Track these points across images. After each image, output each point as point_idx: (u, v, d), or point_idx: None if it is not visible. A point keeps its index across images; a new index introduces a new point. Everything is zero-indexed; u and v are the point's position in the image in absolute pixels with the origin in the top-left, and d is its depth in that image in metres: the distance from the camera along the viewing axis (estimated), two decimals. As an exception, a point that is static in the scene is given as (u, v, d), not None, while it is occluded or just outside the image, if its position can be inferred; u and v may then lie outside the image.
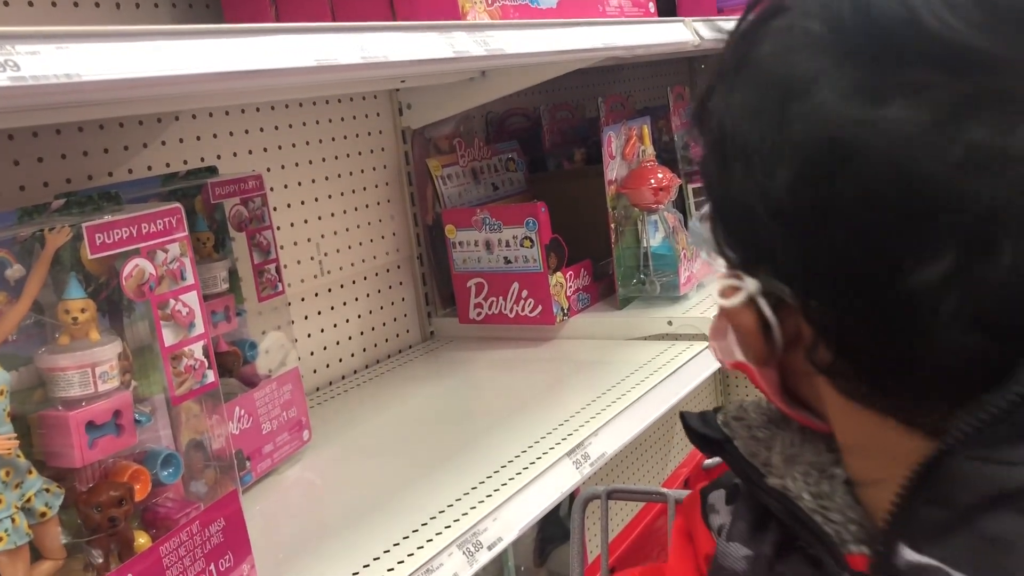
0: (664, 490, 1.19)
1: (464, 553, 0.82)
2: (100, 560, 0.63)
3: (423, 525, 0.85)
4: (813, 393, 0.55)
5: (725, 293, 0.54)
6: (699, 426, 0.65)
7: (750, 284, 0.52)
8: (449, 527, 0.84)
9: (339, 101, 1.36)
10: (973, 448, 0.46)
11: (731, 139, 0.51)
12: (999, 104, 0.43)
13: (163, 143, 1.11)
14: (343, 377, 1.35)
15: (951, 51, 0.44)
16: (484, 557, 0.83)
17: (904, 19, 0.45)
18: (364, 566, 0.80)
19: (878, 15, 0.46)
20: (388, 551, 0.82)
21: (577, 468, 0.98)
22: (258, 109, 1.23)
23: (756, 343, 0.54)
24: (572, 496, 1.18)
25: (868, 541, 0.52)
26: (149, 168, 1.09)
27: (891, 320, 0.46)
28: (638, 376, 1.19)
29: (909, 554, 0.47)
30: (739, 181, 0.50)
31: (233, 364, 1.00)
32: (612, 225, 1.41)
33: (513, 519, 0.88)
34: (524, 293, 1.38)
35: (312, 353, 1.31)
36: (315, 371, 1.31)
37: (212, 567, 0.70)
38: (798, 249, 0.48)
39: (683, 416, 0.66)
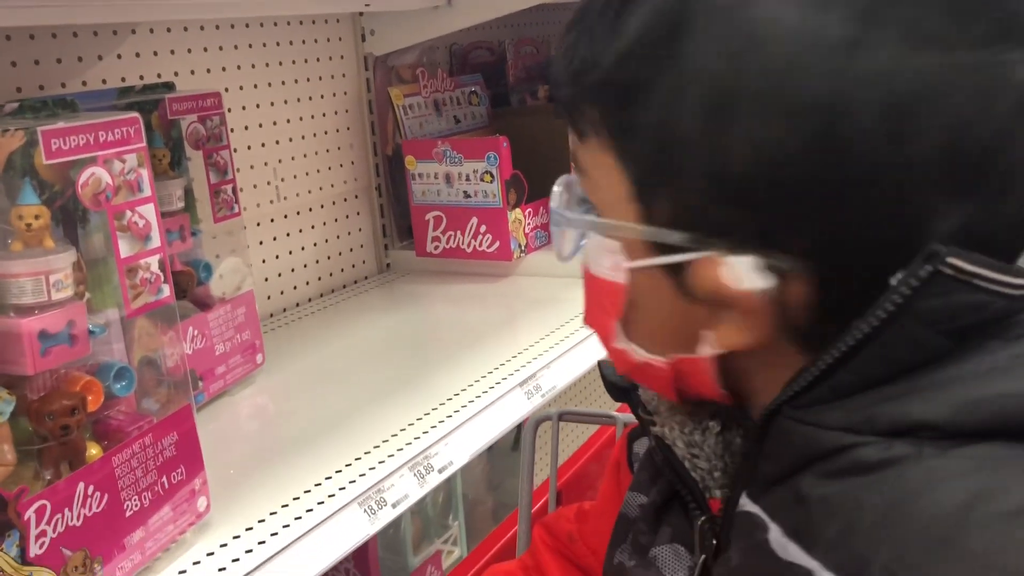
0: (615, 414, 1.21)
1: (415, 475, 0.83)
2: (51, 468, 0.62)
3: (375, 447, 0.86)
4: (741, 367, 0.53)
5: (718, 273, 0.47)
6: (611, 374, 0.65)
7: (744, 260, 0.46)
8: (401, 450, 0.85)
9: (300, 23, 1.33)
10: (795, 409, 0.47)
11: (739, 91, 0.44)
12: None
13: (119, 56, 1.08)
14: (297, 304, 1.35)
15: None
16: (434, 479, 0.84)
17: None
18: (316, 484, 0.80)
19: None
20: (340, 471, 0.82)
21: (528, 398, 0.99)
22: (218, 27, 1.20)
23: (762, 322, 0.48)
24: (521, 428, 1.20)
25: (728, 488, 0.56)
26: (104, 81, 1.07)
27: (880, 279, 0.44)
28: (592, 313, 1.20)
29: (744, 502, 0.50)
30: (744, 142, 0.44)
31: (187, 285, 0.99)
32: (572, 164, 1.41)
33: (464, 444, 0.89)
34: (483, 228, 1.38)
35: (266, 279, 1.30)
36: (269, 297, 1.30)
37: (164, 479, 0.70)
38: (824, 211, 0.44)
39: (600, 364, 0.66)
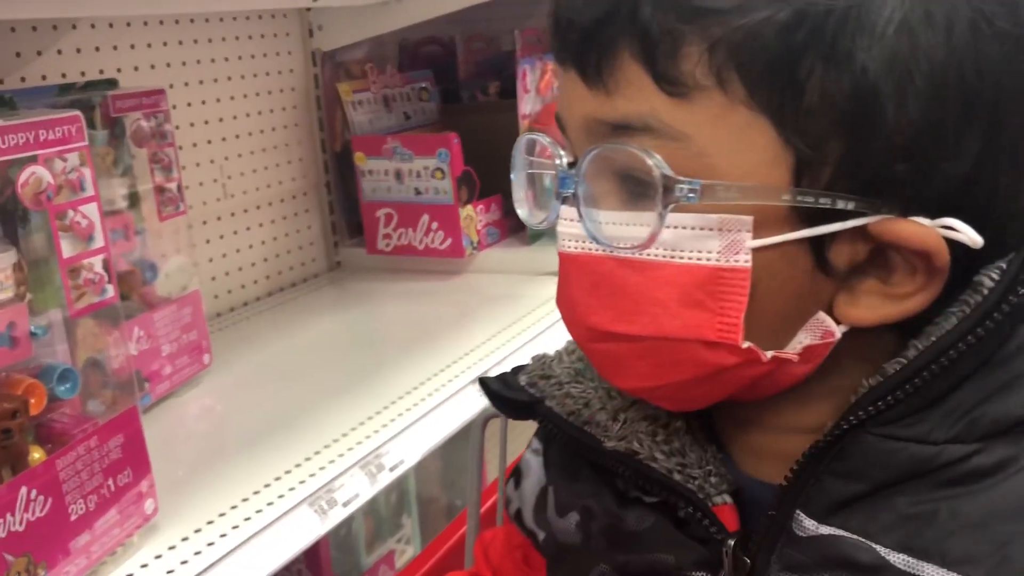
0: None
1: (366, 474, 0.82)
2: (-8, 473, 0.61)
3: (325, 447, 0.86)
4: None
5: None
6: (502, 390, 0.59)
7: (928, 221, 0.42)
8: (352, 449, 0.85)
9: (247, 18, 1.31)
10: (884, 425, 0.44)
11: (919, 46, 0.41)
12: None
13: (59, 52, 1.06)
14: (245, 304, 1.33)
15: None
16: (386, 478, 0.84)
17: None
18: (265, 485, 0.80)
19: None
20: (289, 471, 0.82)
21: (481, 395, 0.99)
22: (161, 22, 1.18)
23: (803, 288, 0.44)
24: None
25: (731, 491, 0.50)
26: (44, 78, 1.04)
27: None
28: (544, 310, 1.20)
29: (810, 523, 0.45)
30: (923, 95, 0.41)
31: (132, 285, 0.97)
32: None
33: (415, 443, 0.89)
34: (434, 225, 1.37)
35: (213, 278, 1.28)
36: (216, 296, 1.29)
37: (110, 482, 0.69)
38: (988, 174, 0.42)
39: (482, 382, 0.60)
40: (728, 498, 0.50)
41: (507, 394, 0.59)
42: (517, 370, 0.60)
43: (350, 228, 1.50)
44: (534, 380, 0.58)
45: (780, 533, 0.46)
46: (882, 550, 0.42)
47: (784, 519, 0.46)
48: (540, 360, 0.60)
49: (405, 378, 1.00)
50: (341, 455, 0.84)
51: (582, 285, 0.49)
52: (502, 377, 0.60)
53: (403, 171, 1.37)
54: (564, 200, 0.48)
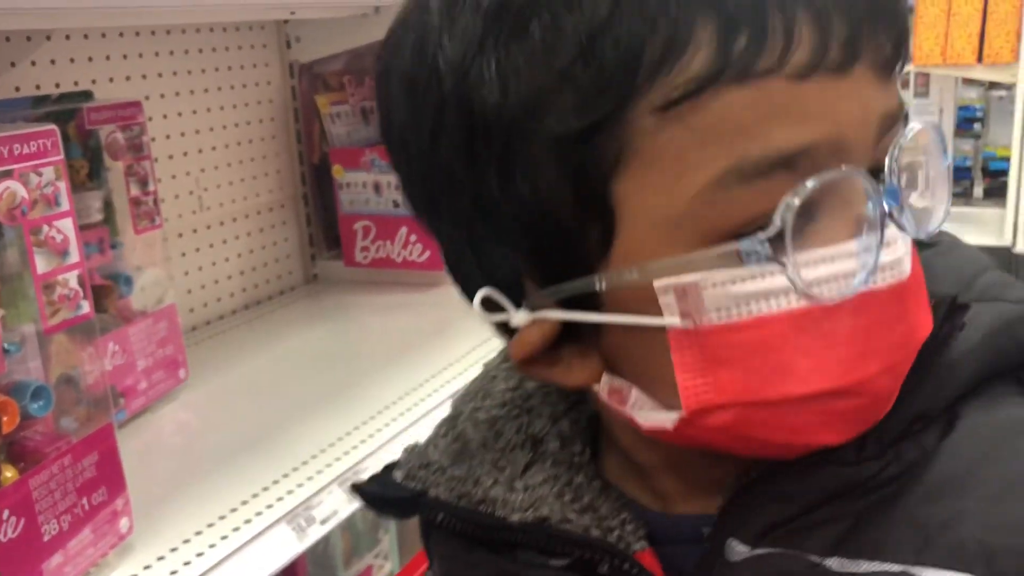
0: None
1: (345, 491, 0.82)
2: (-37, 494, 0.60)
3: (303, 464, 0.85)
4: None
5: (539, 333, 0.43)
6: (380, 491, 0.53)
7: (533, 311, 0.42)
8: (330, 465, 0.84)
9: (224, 30, 1.30)
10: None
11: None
12: None
13: (33, 63, 1.05)
14: (222, 317, 1.32)
15: None
16: (366, 495, 0.83)
17: None
18: (242, 502, 0.79)
19: None
20: (267, 488, 0.81)
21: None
22: (138, 33, 1.17)
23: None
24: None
25: (646, 534, 0.47)
26: (17, 89, 1.03)
27: None
28: (522, 323, 1.20)
29: (743, 548, 0.44)
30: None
31: (107, 298, 0.96)
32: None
33: (395, 458, 0.88)
34: (413, 238, 1.37)
35: (190, 291, 1.27)
36: (192, 310, 1.27)
37: (84, 501, 0.67)
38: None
39: (358, 490, 0.54)
40: (646, 543, 0.47)
41: (387, 495, 0.53)
42: (390, 468, 0.55)
43: (328, 241, 1.49)
44: (412, 472, 0.52)
45: (714, 563, 0.45)
46: (816, 558, 0.42)
47: (717, 549, 0.45)
48: (413, 450, 0.54)
49: (384, 393, 1.00)
50: (319, 471, 0.83)
51: (918, 303, 0.41)
52: (376, 479, 0.54)
53: (381, 183, 1.37)
54: (889, 216, 0.39)
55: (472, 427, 0.52)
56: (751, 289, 0.37)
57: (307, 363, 1.14)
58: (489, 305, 0.44)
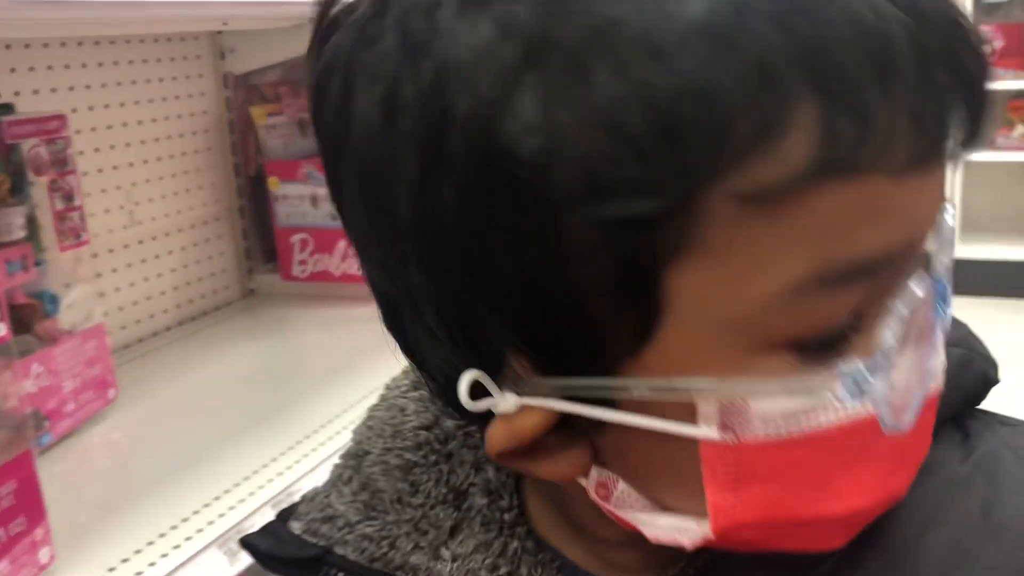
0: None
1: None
2: None
3: (235, 485, 0.83)
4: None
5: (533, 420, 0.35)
6: (276, 548, 0.46)
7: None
8: (263, 487, 0.82)
9: (155, 40, 1.28)
10: None
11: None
12: None
13: (-49, 74, 1.01)
14: (155, 334, 1.29)
15: None
16: (300, 517, 0.81)
17: None
18: (172, 527, 0.76)
19: None
20: (198, 512, 0.79)
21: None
22: (64, 44, 1.14)
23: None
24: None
25: None
26: (-66, 101, 1.00)
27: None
28: (462, 336, 1.19)
29: None
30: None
31: (31, 317, 0.93)
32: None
33: (331, 479, 0.87)
34: (351, 251, 1.35)
35: (121, 308, 1.24)
36: (124, 328, 1.24)
37: (1, 532, 0.65)
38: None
39: (246, 544, 0.47)
40: None
41: (284, 553, 0.46)
42: (285, 515, 0.48)
43: (264, 254, 1.46)
44: (314, 526, 0.46)
45: None
46: None
47: None
48: (314, 499, 0.47)
49: (322, 410, 0.98)
50: (252, 493, 0.82)
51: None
52: (270, 530, 0.47)
53: (319, 195, 1.35)
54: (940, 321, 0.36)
55: (383, 474, 0.45)
56: (805, 404, 0.32)
57: (243, 381, 1.12)
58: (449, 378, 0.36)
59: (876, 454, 0.35)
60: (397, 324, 0.38)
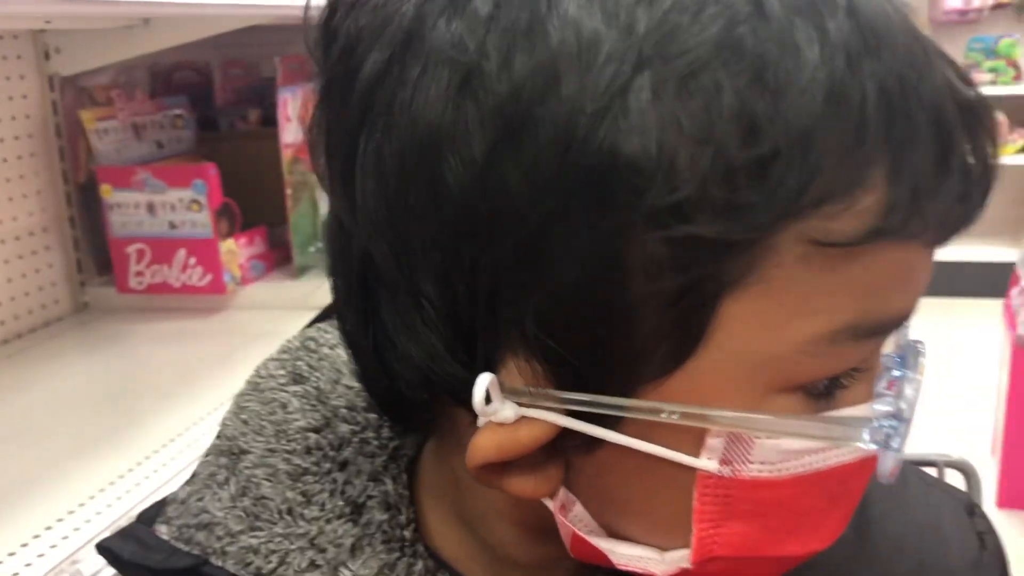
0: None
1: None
2: None
3: (69, 514, 0.78)
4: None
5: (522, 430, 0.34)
6: (140, 556, 0.41)
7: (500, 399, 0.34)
8: (100, 513, 0.77)
9: (-31, 39, 1.19)
10: None
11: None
12: None
13: None
14: (-23, 353, 1.19)
15: None
16: (141, 544, 0.77)
17: None
18: (-4, 565, 0.71)
19: None
20: (26, 545, 0.73)
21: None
22: None
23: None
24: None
25: None
26: None
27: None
28: (313, 346, 1.16)
29: None
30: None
31: None
32: (288, 191, 1.37)
33: (175, 501, 0.82)
34: (192, 260, 1.30)
35: (-64, 327, 1.14)
36: (-60, 347, 1.15)
37: None
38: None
39: (104, 550, 0.43)
40: None
41: (151, 562, 0.41)
42: (149, 518, 0.43)
43: (98, 266, 1.39)
44: (187, 533, 0.42)
45: None
46: None
47: None
48: (185, 502, 0.43)
49: (162, 429, 0.93)
50: (88, 521, 0.77)
51: None
52: (132, 534, 0.43)
53: (156, 203, 1.29)
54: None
55: (268, 480, 0.42)
56: (799, 447, 0.33)
57: (76, 401, 1.05)
58: (417, 375, 0.34)
59: (843, 498, 0.36)
60: (368, 306, 0.36)
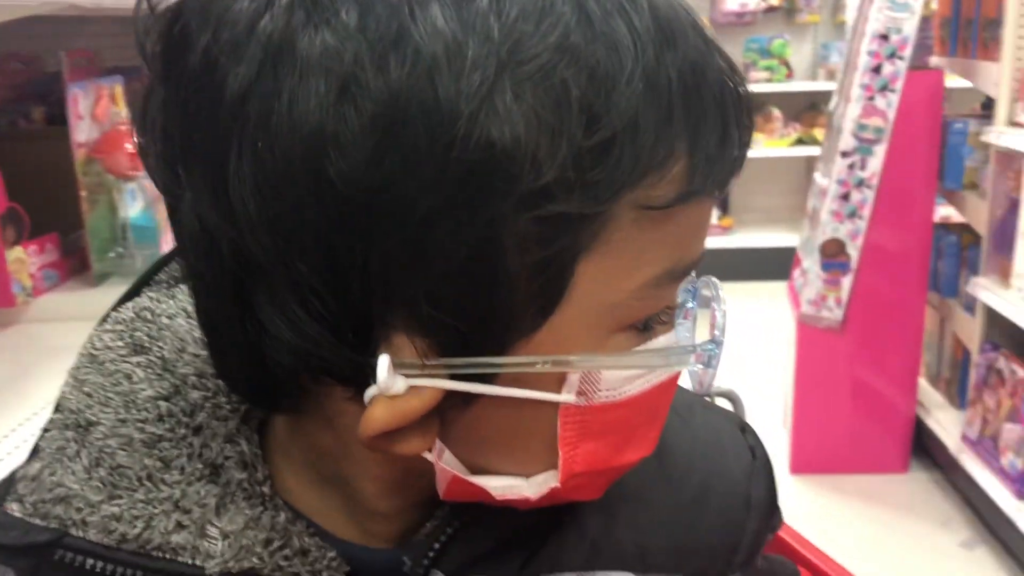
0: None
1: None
2: None
3: None
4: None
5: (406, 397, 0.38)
6: (13, 537, 0.42)
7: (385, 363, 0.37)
8: None
9: None
10: None
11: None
12: None
13: None
14: None
15: None
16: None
17: None
18: None
19: None
20: None
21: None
22: None
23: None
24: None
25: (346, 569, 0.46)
26: None
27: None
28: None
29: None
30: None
31: None
32: (83, 193, 1.28)
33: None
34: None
35: None
36: None
37: None
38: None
39: None
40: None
41: (7, 540, 0.42)
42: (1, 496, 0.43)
43: None
44: (43, 508, 0.42)
45: None
46: None
47: None
48: (36, 478, 0.43)
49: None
50: None
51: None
52: None
53: (-69, 211, 1.17)
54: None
55: (123, 450, 0.43)
56: (634, 374, 0.40)
57: None
58: (297, 361, 0.37)
59: (660, 414, 0.45)
60: (240, 301, 0.38)
